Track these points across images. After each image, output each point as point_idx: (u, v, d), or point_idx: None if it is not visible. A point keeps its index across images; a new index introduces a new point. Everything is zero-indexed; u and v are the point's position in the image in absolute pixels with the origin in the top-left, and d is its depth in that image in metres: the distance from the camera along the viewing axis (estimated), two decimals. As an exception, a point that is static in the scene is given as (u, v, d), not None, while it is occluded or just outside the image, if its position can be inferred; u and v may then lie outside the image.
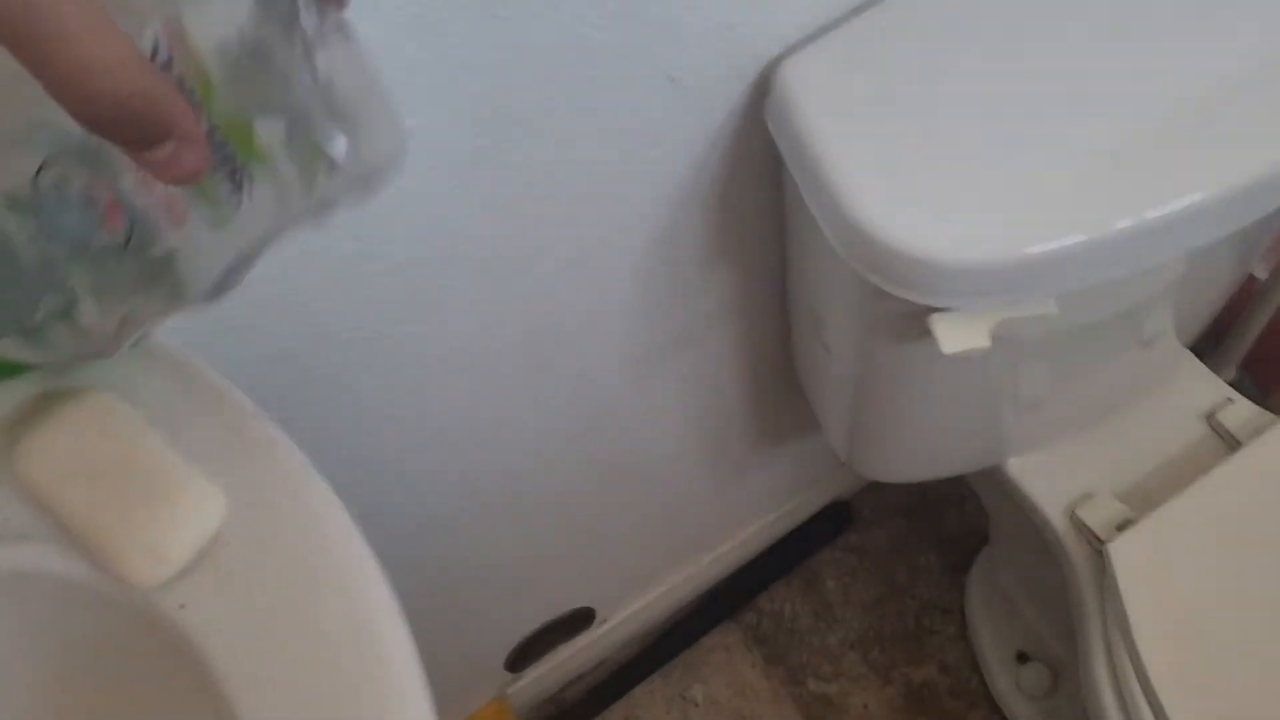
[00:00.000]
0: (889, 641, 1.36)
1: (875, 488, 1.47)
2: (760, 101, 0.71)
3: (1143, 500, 0.94)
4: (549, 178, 0.67)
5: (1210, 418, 0.99)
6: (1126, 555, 0.88)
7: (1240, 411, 0.98)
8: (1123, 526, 0.91)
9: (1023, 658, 1.28)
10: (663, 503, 1.18)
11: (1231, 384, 1.30)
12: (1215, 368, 1.29)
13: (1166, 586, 0.87)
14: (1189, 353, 1.02)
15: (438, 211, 0.63)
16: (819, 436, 1.27)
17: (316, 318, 0.64)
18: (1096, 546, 0.92)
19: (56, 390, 0.45)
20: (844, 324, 0.78)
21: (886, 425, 0.89)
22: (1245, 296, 1.19)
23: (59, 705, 0.48)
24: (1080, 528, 0.94)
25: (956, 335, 0.64)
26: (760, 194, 0.80)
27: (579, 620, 1.26)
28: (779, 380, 1.08)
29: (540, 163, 0.65)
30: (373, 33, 0.50)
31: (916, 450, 0.94)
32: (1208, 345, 1.28)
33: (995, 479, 1.01)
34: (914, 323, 0.68)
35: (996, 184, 0.62)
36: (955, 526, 1.43)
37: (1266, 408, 1.40)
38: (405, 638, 0.41)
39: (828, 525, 1.45)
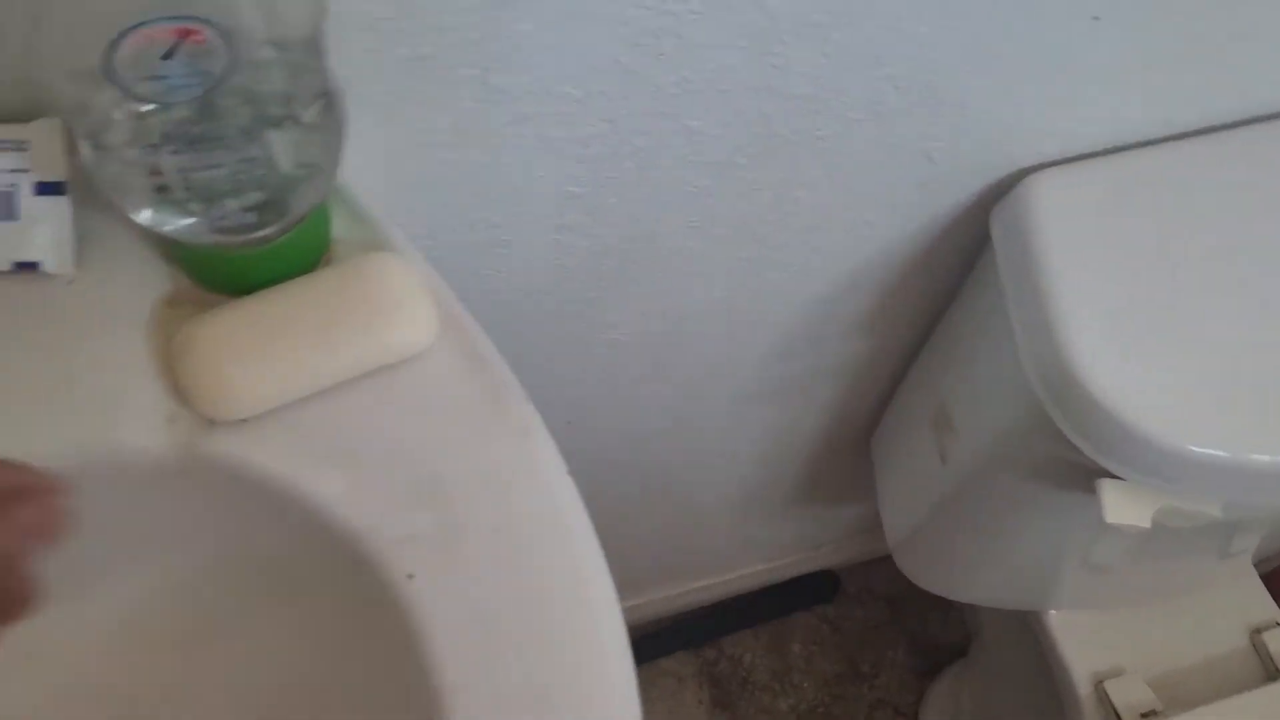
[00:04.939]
0: (836, 724, 1.34)
1: (867, 567, 1.44)
2: (989, 197, 0.69)
3: (1171, 692, 0.93)
4: (777, 203, 0.64)
5: (1255, 634, 0.98)
6: (1148, 748, 0.87)
7: (1284, 637, 0.97)
8: (1147, 715, 0.90)
9: (963, 785, 1.27)
10: (682, 522, 1.15)
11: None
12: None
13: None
14: (1253, 568, 1.01)
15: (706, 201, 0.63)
16: (849, 506, 1.25)
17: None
18: (1115, 725, 0.91)
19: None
20: (980, 442, 0.76)
21: (958, 543, 0.87)
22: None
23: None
24: (1104, 700, 0.92)
25: (1123, 507, 0.62)
26: (939, 281, 0.78)
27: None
28: (850, 446, 1.05)
29: (779, 187, 0.63)
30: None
31: (972, 574, 0.92)
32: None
33: (1025, 621, 0.99)
34: (1068, 470, 0.66)
35: (1230, 376, 0.60)
36: (935, 630, 1.41)
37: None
38: (613, 598, 0.44)
39: (811, 590, 1.43)
